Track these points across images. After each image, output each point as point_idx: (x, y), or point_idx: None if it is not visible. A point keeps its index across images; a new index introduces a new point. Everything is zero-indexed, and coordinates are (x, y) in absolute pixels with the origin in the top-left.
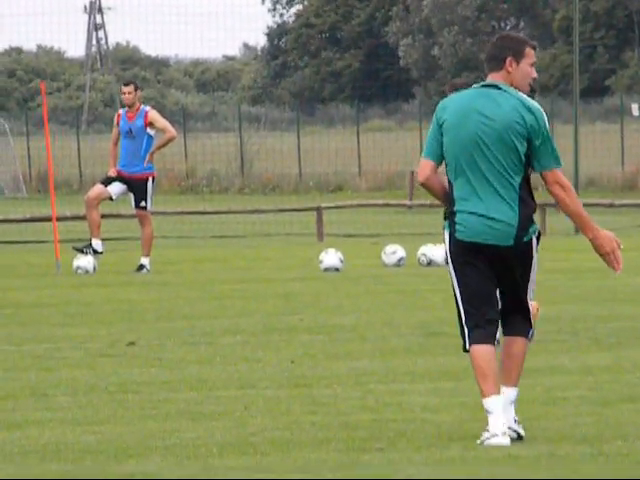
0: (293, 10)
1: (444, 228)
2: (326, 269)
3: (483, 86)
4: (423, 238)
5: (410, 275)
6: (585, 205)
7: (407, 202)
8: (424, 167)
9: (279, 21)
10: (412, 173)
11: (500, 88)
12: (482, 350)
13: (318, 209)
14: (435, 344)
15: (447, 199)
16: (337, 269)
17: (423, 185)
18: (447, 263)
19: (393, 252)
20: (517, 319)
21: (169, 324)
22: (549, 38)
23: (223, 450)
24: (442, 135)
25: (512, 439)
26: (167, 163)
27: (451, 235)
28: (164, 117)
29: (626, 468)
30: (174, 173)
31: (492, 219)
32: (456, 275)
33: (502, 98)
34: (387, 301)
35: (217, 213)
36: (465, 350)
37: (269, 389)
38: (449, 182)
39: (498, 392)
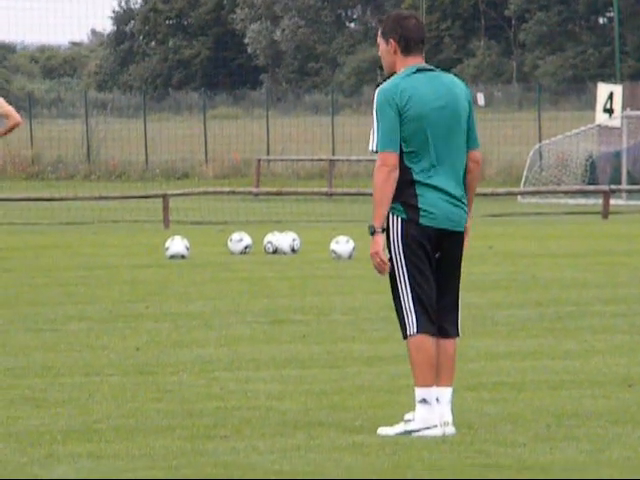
0: None
1: (394, 213)
2: (172, 256)
3: (426, 70)
4: (269, 226)
5: (256, 263)
6: None
7: (253, 189)
8: (391, 159)
9: (125, 7)
10: (259, 161)
11: (437, 71)
12: (430, 341)
13: (164, 196)
14: (280, 332)
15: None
16: (183, 256)
17: (384, 178)
18: (393, 249)
19: (239, 240)
20: (453, 320)
21: (13, 310)
22: None
23: (67, 437)
24: (401, 122)
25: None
26: (13, 149)
27: (409, 221)
28: (9, 103)
29: (470, 456)
30: (20, 159)
31: (458, 206)
32: (410, 261)
33: (449, 81)
34: (233, 289)
35: (63, 200)
36: (405, 337)
37: (114, 376)
38: (406, 167)
39: (434, 384)
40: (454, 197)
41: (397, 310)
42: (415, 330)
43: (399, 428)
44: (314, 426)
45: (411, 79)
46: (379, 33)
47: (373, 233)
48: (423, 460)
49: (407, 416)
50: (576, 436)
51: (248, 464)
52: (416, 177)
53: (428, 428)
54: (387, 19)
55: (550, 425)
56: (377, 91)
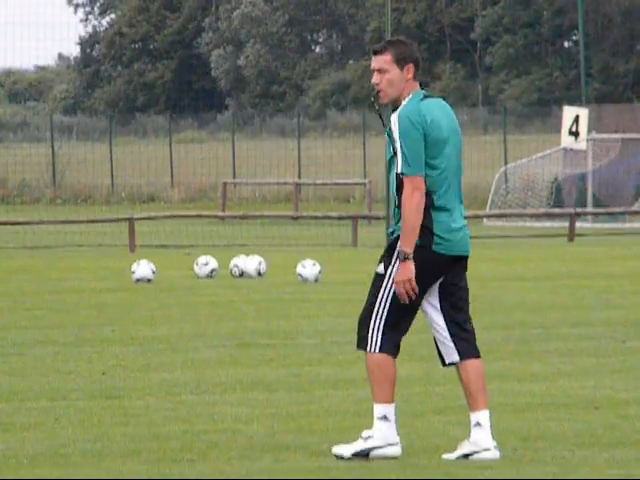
0: (106, 20)
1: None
2: (138, 280)
3: (428, 96)
4: (235, 249)
5: (222, 286)
6: None
7: (220, 213)
8: (422, 183)
9: (91, 31)
10: (225, 184)
11: (436, 97)
12: (391, 360)
13: (130, 220)
14: (247, 355)
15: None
16: (149, 280)
17: (419, 202)
18: (393, 266)
19: (205, 263)
20: (472, 338)
21: None
22: (361, 50)
23: (34, 461)
24: (425, 146)
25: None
26: None
27: (421, 247)
28: None
29: (437, 479)
30: None
31: (466, 229)
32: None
33: (449, 108)
34: (199, 312)
35: (28, 224)
36: (361, 347)
37: (80, 400)
38: (427, 192)
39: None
40: (463, 221)
41: (364, 319)
42: (377, 349)
43: (358, 446)
44: (281, 449)
45: (426, 104)
46: (389, 59)
47: (405, 259)
48: None
49: (365, 433)
50: (542, 459)
51: None
52: (436, 202)
53: (389, 445)
54: (398, 45)
55: (517, 448)
56: (398, 115)
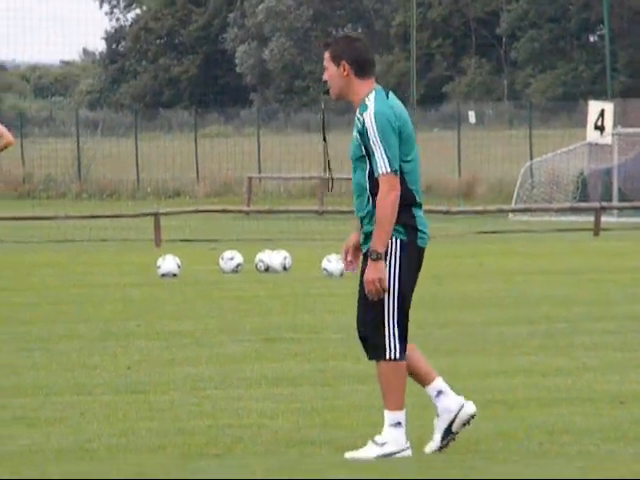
0: (131, 15)
1: (394, 235)
2: (164, 275)
3: (387, 93)
4: (261, 244)
5: (247, 281)
6: (425, 212)
7: (245, 208)
8: (398, 182)
9: (117, 25)
10: (250, 179)
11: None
12: (405, 366)
13: (156, 215)
14: (272, 350)
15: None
16: (175, 275)
17: (394, 202)
18: (391, 271)
19: (231, 258)
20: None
21: (4, 329)
22: (386, 45)
23: (59, 456)
24: (400, 143)
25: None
26: (4, 168)
27: (408, 243)
28: (1, 122)
29: (463, 472)
30: (11, 178)
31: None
32: (406, 285)
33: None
34: (224, 307)
35: (54, 218)
36: (375, 358)
37: (106, 395)
38: (408, 189)
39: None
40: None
41: (374, 328)
42: (398, 356)
43: (377, 451)
44: (306, 444)
45: (392, 101)
46: (327, 57)
47: (377, 259)
48: (416, 478)
49: (379, 439)
50: (568, 453)
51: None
52: (417, 199)
53: (403, 450)
54: (336, 42)
55: (542, 442)
56: (373, 115)
